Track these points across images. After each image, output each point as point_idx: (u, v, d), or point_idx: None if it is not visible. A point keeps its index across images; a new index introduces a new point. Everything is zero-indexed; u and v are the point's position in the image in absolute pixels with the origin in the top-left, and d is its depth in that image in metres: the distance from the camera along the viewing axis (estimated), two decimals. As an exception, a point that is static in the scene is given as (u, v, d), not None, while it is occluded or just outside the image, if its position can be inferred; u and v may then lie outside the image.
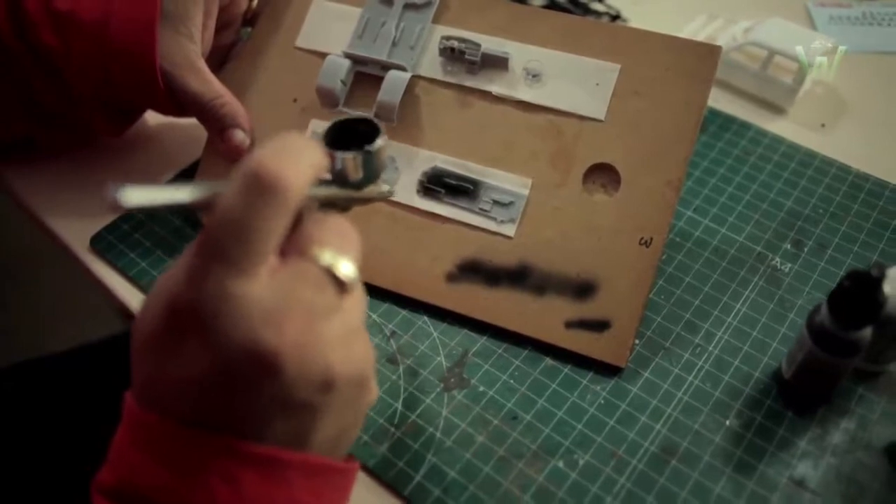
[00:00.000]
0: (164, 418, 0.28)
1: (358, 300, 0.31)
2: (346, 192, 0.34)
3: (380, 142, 0.34)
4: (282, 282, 0.27)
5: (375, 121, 0.35)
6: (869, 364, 0.44)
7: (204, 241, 0.26)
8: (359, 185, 0.35)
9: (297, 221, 0.29)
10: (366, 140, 0.34)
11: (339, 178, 0.34)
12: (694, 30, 0.65)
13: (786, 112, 0.61)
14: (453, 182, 0.48)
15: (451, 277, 0.47)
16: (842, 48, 0.60)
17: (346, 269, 0.29)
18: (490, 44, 0.49)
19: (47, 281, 1.26)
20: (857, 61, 0.65)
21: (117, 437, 0.30)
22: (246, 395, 0.27)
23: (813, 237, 0.51)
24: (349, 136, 0.34)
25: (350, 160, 0.33)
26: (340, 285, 0.29)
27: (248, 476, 0.28)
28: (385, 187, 0.38)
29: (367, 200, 0.36)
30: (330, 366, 0.28)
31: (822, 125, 0.60)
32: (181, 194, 0.27)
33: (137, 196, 0.25)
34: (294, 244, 0.29)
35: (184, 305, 0.27)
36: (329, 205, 0.34)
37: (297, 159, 0.27)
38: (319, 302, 0.28)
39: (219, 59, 0.55)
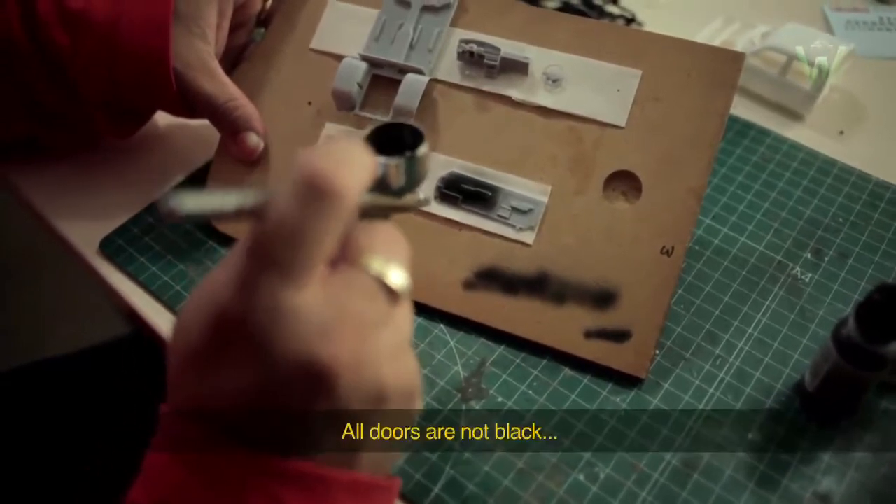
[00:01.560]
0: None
1: (407, 311, 0.30)
2: (388, 200, 0.33)
3: (424, 148, 0.33)
4: (334, 292, 0.26)
5: (418, 126, 0.34)
6: (893, 377, 0.43)
7: (255, 249, 0.25)
8: (399, 193, 0.34)
9: (345, 232, 0.29)
10: (406, 147, 0.33)
11: (379, 185, 0.33)
12: (710, 34, 0.65)
13: (804, 118, 0.60)
14: (471, 188, 0.48)
15: (469, 285, 0.47)
16: (846, 48, 0.59)
17: (397, 277, 0.28)
18: (509, 48, 0.49)
19: (49, 282, 1.25)
20: (874, 67, 0.65)
21: (152, 452, 0.29)
22: (296, 411, 0.26)
23: (833, 246, 0.51)
24: (390, 141, 0.33)
25: (393, 167, 0.32)
26: (392, 295, 0.28)
27: (292, 495, 0.27)
28: (422, 195, 0.36)
29: (406, 208, 0.35)
30: (383, 380, 0.27)
31: (841, 132, 0.59)
32: (234, 199, 0.25)
33: (192, 203, 0.24)
34: (342, 252, 0.28)
35: (233, 316, 0.26)
36: (368, 213, 0.32)
37: (352, 165, 0.26)
38: (372, 313, 0.27)
39: (232, 60, 0.54)
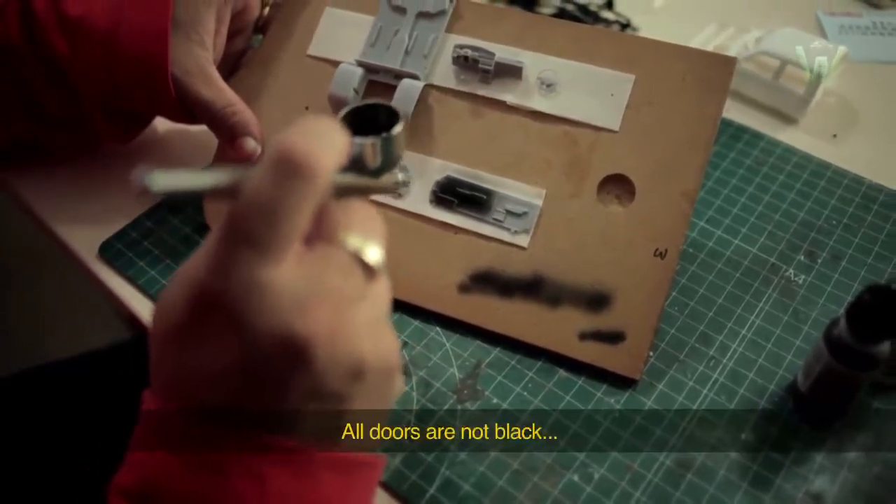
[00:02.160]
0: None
1: (384, 287, 0.30)
2: (364, 180, 0.34)
3: (399, 128, 0.33)
4: (310, 268, 0.27)
5: (393, 106, 0.34)
6: (886, 377, 0.43)
7: (230, 226, 0.25)
8: (375, 173, 0.34)
9: (322, 209, 0.29)
10: (382, 128, 0.33)
11: (356, 165, 0.33)
12: (705, 39, 0.65)
13: (797, 122, 0.60)
14: (466, 192, 0.48)
15: (464, 288, 0.47)
16: (841, 51, 0.59)
17: (374, 254, 0.29)
18: (504, 53, 0.49)
19: (49, 286, 1.26)
20: (866, 71, 0.65)
21: (136, 436, 0.29)
22: (276, 386, 0.26)
23: (826, 248, 0.51)
24: (365, 122, 0.33)
25: (369, 146, 0.33)
26: (368, 271, 0.28)
27: (276, 473, 0.27)
28: (400, 176, 0.37)
29: (382, 189, 0.36)
30: (360, 353, 0.27)
31: (834, 135, 0.59)
32: (208, 178, 0.26)
33: (164, 180, 0.24)
34: (318, 230, 0.28)
35: (210, 293, 0.26)
36: (344, 193, 0.32)
37: (326, 142, 0.26)
38: (348, 288, 0.28)
39: (230, 67, 0.55)
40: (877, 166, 0.56)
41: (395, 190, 0.38)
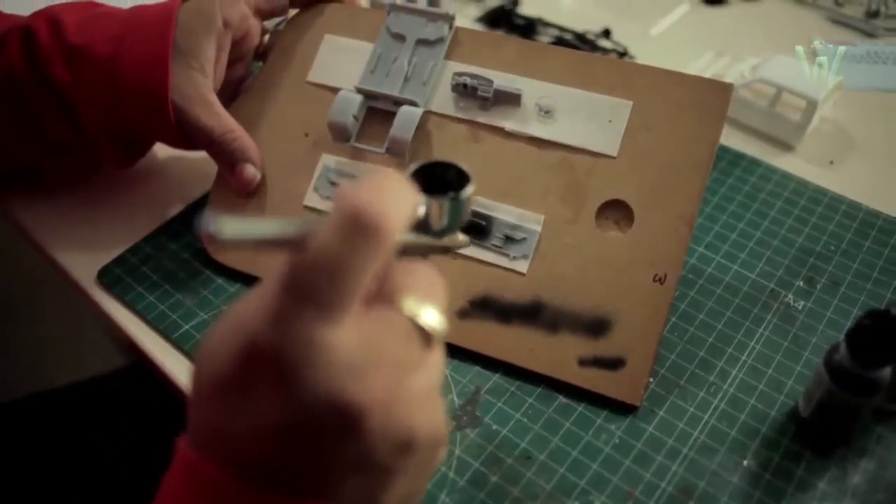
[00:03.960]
0: (226, 471, 0.26)
1: (440, 356, 0.29)
2: (428, 240, 0.32)
3: (469, 190, 0.32)
4: (369, 332, 0.26)
5: (465, 167, 0.32)
6: (888, 403, 0.43)
7: (292, 280, 0.24)
8: (439, 234, 0.32)
9: (383, 269, 0.28)
10: (451, 187, 0.32)
11: (420, 224, 0.32)
12: (701, 67, 0.66)
13: (794, 149, 0.61)
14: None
15: (463, 313, 0.47)
16: (837, 77, 0.60)
17: (433, 319, 0.27)
18: (502, 80, 0.49)
19: (49, 313, 1.25)
20: (862, 99, 0.66)
21: (167, 486, 0.27)
22: (323, 452, 0.25)
23: (825, 274, 0.51)
24: (434, 180, 0.32)
25: (436, 206, 0.31)
26: (426, 337, 0.27)
27: None
28: (462, 237, 0.35)
29: (446, 250, 0.34)
30: (412, 426, 0.26)
31: (831, 162, 0.60)
32: (276, 228, 0.25)
33: (234, 228, 0.23)
34: (379, 291, 0.27)
35: (264, 347, 0.25)
36: (407, 252, 0.31)
37: (396, 201, 0.25)
38: (406, 356, 0.27)
39: (230, 93, 0.55)
40: (874, 193, 0.56)
41: (458, 250, 0.36)
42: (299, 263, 0.24)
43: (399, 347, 0.26)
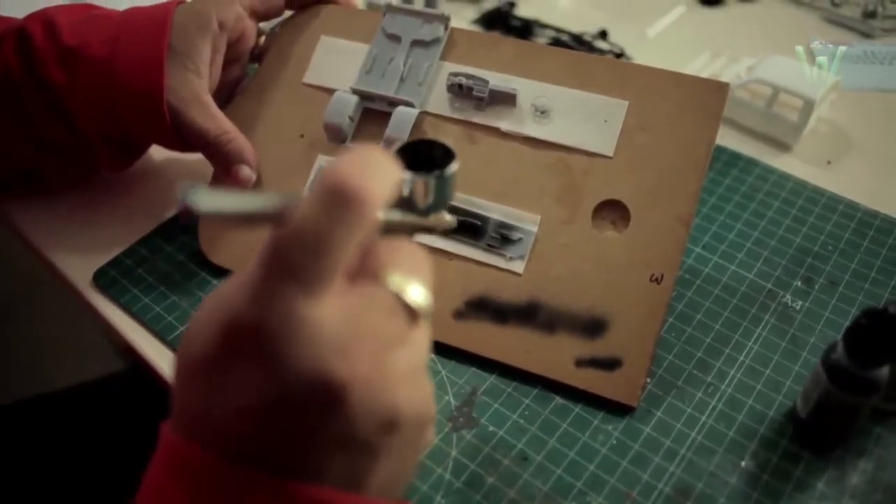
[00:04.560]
0: (209, 453, 0.25)
1: (425, 333, 0.28)
2: (413, 218, 0.32)
3: (454, 167, 0.32)
4: (352, 307, 0.25)
5: (449, 145, 0.32)
6: (887, 403, 0.43)
7: (272, 256, 0.24)
8: (424, 212, 0.32)
9: (365, 245, 0.28)
10: (436, 165, 0.32)
11: (405, 202, 0.31)
12: (698, 68, 0.66)
13: (791, 149, 0.61)
14: (461, 218, 0.48)
15: (459, 314, 0.47)
16: (834, 77, 0.60)
17: (418, 295, 0.27)
18: (498, 80, 0.49)
19: (46, 316, 1.25)
20: (859, 99, 0.66)
21: (152, 471, 0.27)
22: (306, 430, 0.25)
23: (823, 274, 0.51)
24: (419, 158, 0.32)
25: (421, 184, 0.31)
26: (411, 314, 0.27)
27: None
28: (448, 217, 0.35)
29: (432, 228, 0.34)
30: (396, 404, 0.26)
31: (828, 162, 0.60)
32: (255, 202, 0.24)
33: (210, 200, 0.23)
34: (363, 266, 0.27)
35: (245, 325, 0.24)
36: (391, 229, 0.30)
37: (378, 173, 0.25)
38: (390, 331, 0.26)
39: (226, 95, 0.55)
40: (871, 193, 0.56)
41: (444, 229, 0.36)
42: (280, 238, 0.24)
43: (383, 323, 0.26)
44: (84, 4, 0.52)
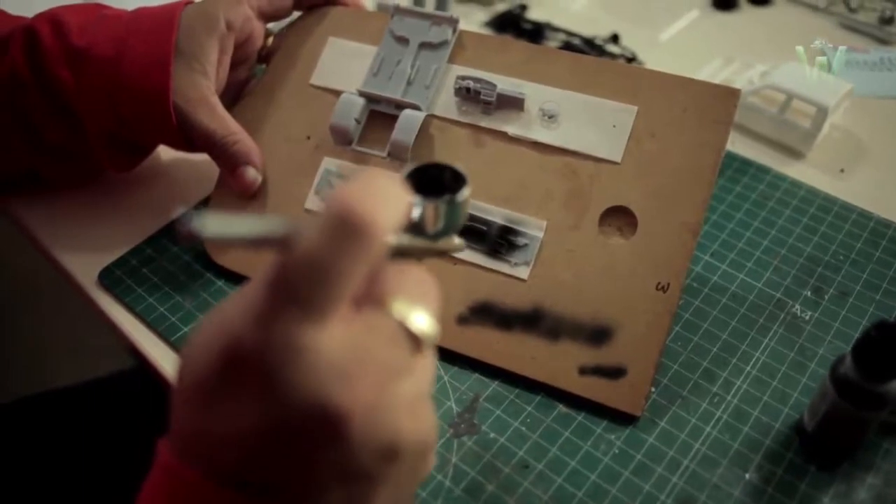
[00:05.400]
0: (206, 479, 0.25)
1: (430, 361, 0.28)
2: (422, 243, 0.32)
3: (465, 192, 0.31)
4: (356, 334, 0.25)
5: (461, 169, 0.32)
6: (894, 417, 0.42)
7: (277, 281, 0.24)
8: (434, 237, 0.32)
9: (373, 271, 0.27)
10: (446, 189, 0.31)
11: (415, 227, 0.31)
12: (710, 73, 0.65)
13: (804, 156, 0.60)
14: (467, 223, 0.47)
15: (463, 320, 0.46)
16: (847, 84, 0.59)
17: (423, 323, 0.27)
18: (506, 84, 0.49)
19: (54, 313, 1.26)
20: (875, 106, 0.65)
21: (147, 489, 0.27)
22: (304, 458, 0.25)
23: (834, 284, 0.50)
24: (429, 182, 0.31)
25: (431, 209, 0.31)
26: (415, 342, 0.27)
27: None
28: (457, 241, 0.34)
29: (441, 253, 0.33)
30: (398, 433, 0.26)
31: (842, 170, 0.59)
32: (260, 226, 0.24)
33: (216, 226, 0.23)
34: (369, 294, 0.27)
35: (247, 349, 0.24)
36: (399, 254, 0.30)
37: (387, 202, 0.25)
38: (393, 360, 0.26)
39: (233, 96, 0.55)
40: (885, 202, 0.55)
41: (453, 253, 0.35)
42: (285, 264, 0.24)
43: (386, 351, 0.26)
44: (93, 4, 0.52)
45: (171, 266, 0.52)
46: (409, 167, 0.31)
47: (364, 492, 0.26)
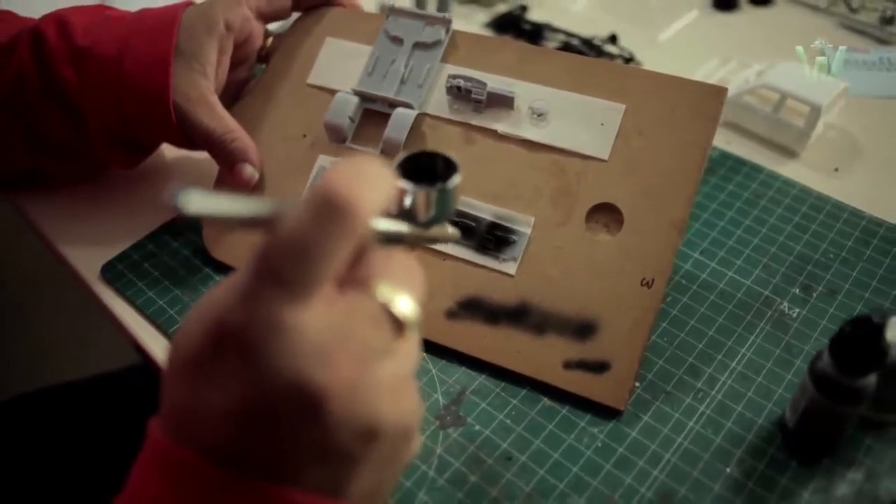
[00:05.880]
0: (191, 454, 0.26)
1: (413, 346, 0.29)
2: (414, 230, 0.32)
3: (456, 179, 0.32)
4: (337, 315, 0.26)
5: (452, 157, 0.32)
6: (877, 413, 0.42)
7: (260, 262, 0.24)
8: (426, 224, 0.32)
9: (361, 254, 0.28)
10: (438, 178, 0.32)
11: (406, 214, 0.31)
12: (707, 73, 0.65)
13: (798, 155, 0.60)
14: (456, 219, 0.48)
15: (451, 314, 0.47)
16: (842, 83, 0.59)
17: (405, 306, 0.27)
18: (496, 83, 0.50)
19: (69, 305, 1.28)
20: (872, 106, 0.65)
21: (139, 466, 0.28)
22: (283, 435, 0.25)
23: (823, 282, 0.50)
24: (421, 170, 0.32)
25: (422, 196, 0.31)
26: (398, 325, 0.27)
27: None
28: (451, 229, 0.35)
29: (432, 240, 0.34)
30: (377, 413, 0.26)
31: (836, 169, 0.59)
32: (244, 207, 0.24)
33: (199, 203, 0.23)
34: (354, 277, 0.27)
35: (229, 327, 0.25)
36: (390, 240, 0.31)
37: (371, 185, 0.25)
38: (374, 341, 0.26)
39: (233, 95, 0.56)
40: (879, 201, 0.55)
41: (446, 242, 0.35)
42: (269, 244, 0.24)
43: (367, 332, 0.26)
44: (98, 6, 0.53)
45: (171, 261, 0.54)
46: (402, 155, 0.32)
47: (343, 471, 0.27)
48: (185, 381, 0.26)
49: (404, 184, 0.31)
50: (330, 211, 0.24)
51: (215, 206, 0.24)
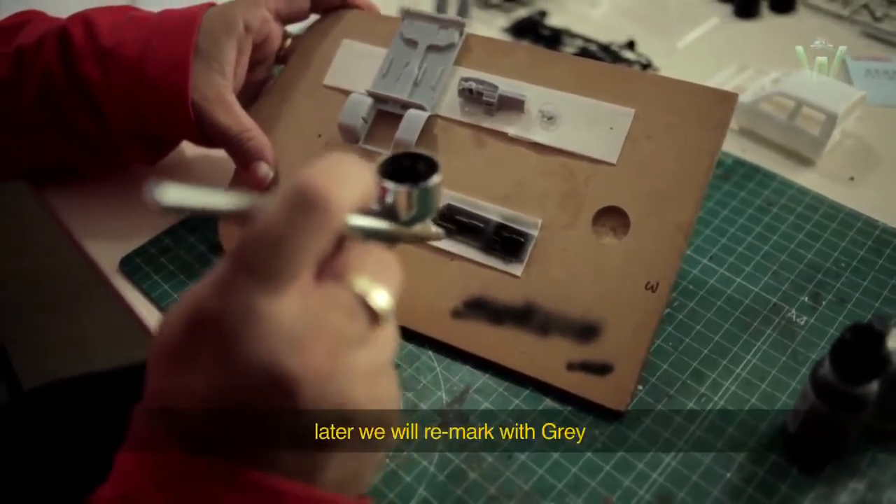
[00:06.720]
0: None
1: (390, 336, 0.29)
2: (395, 228, 0.33)
3: (436, 178, 0.33)
4: (312, 304, 0.26)
5: (433, 157, 0.33)
6: (883, 422, 0.42)
7: (237, 253, 0.26)
8: (408, 223, 0.33)
9: (340, 248, 0.29)
10: (420, 178, 0.33)
11: (388, 213, 0.32)
12: (722, 80, 0.65)
13: (814, 163, 0.60)
14: (465, 220, 0.49)
15: (458, 313, 0.48)
16: (859, 92, 0.59)
17: (381, 299, 0.28)
18: (508, 86, 0.50)
19: (85, 303, 1.30)
20: (889, 115, 0.64)
21: (122, 450, 0.28)
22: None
23: (833, 291, 0.50)
24: (404, 171, 0.33)
25: (403, 194, 0.32)
26: (373, 316, 0.28)
27: None
28: (434, 228, 0.36)
29: (414, 239, 0.35)
30: (349, 400, 0.27)
31: (852, 178, 0.58)
32: (220, 200, 0.26)
33: (174, 196, 0.24)
34: (332, 269, 0.28)
35: (207, 315, 0.26)
36: (372, 237, 0.31)
37: (346, 180, 0.27)
38: (349, 330, 0.27)
39: (251, 94, 0.57)
40: (894, 210, 0.55)
41: (430, 241, 0.36)
42: (245, 236, 0.26)
43: (342, 322, 0.27)
44: (123, 7, 0.55)
45: (187, 256, 0.55)
46: (384, 156, 0.33)
47: (317, 457, 0.27)
48: (166, 367, 0.27)
49: (386, 183, 0.32)
50: (303, 205, 0.25)
51: (191, 198, 0.25)
